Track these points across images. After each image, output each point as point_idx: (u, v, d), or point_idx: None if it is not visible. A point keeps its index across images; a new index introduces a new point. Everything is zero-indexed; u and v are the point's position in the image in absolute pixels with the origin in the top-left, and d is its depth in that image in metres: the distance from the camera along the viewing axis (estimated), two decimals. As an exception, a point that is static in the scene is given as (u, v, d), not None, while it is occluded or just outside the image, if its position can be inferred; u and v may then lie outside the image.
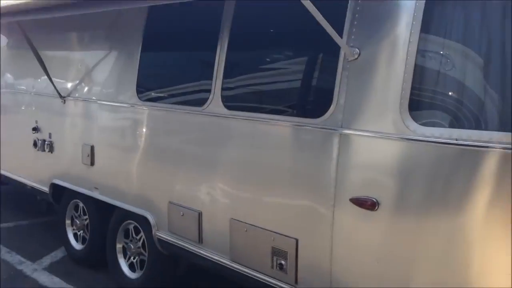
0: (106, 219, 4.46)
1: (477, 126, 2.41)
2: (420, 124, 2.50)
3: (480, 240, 2.44)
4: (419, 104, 2.59)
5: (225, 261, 3.42)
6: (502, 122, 2.38)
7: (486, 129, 2.38)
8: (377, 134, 2.62)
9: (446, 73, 2.56)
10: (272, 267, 3.13)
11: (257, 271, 3.23)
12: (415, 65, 2.55)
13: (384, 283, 2.70)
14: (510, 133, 2.30)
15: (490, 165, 2.36)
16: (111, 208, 4.36)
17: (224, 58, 3.43)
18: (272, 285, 3.15)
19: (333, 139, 2.78)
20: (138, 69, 4.12)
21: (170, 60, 4.20)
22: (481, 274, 2.47)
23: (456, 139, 2.38)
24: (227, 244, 3.38)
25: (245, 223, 3.26)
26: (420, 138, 2.48)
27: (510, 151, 2.30)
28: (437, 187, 2.50)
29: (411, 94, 2.55)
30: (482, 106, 2.49)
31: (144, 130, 4.04)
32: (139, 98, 4.08)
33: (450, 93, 2.56)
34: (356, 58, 2.73)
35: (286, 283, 3.07)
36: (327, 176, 2.80)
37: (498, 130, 2.34)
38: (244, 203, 3.31)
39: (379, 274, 2.70)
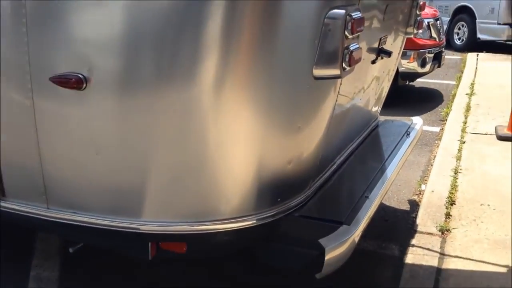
0: None
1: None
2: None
3: (215, 109, 2.12)
4: None
5: None
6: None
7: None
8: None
9: None
10: (-31, 181, 2.42)
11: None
12: None
13: (113, 176, 2.26)
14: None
15: (215, 19, 1.98)
16: None
17: None
18: (-25, 204, 2.47)
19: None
20: None
21: None
22: (219, 144, 2.19)
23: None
24: None
25: None
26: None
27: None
28: (163, 53, 2.07)
29: None
30: None
31: None
32: None
33: None
34: None
35: (-8, 198, 2.42)
36: (15, 53, 2.12)
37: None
38: None
39: (103, 167, 2.23)
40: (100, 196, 2.31)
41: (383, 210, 4.04)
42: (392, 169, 3.19)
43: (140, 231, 2.31)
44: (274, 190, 2.38)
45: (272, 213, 2.41)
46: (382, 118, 4.10)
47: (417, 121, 4.02)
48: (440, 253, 3.35)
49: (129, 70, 2.11)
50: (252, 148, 2.26)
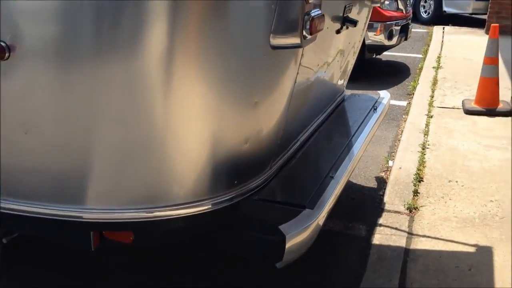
0: None
1: None
2: None
3: (162, 82, 1.89)
4: None
5: None
6: None
7: None
8: None
9: None
10: None
11: None
12: None
13: (46, 158, 2.01)
14: None
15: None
16: None
17: None
18: None
19: None
20: None
21: None
22: (169, 122, 1.96)
23: None
24: None
25: None
26: None
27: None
28: (103, 19, 1.82)
29: None
30: None
31: None
32: None
33: None
34: None
35: None
36: None
37: None
38: None
39: (34, 148, 1.98)
40: (34, 181, 2.06)
41: (350, 188, 3.89)
42: (359, 146, 3.02)
43: (81, 220, 2.07)
44: (230, 171, 2.17)
45: (229, 197, 2.20)
46: (348, 92, 3.93)
47: (384, 95, 3.86)
48: (408, 233, 3.22)
49: (63, 38, 1.85)
50: (204, 126, 2.03)
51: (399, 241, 3.15)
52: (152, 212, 2.09)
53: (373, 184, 4.03)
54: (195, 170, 2.10)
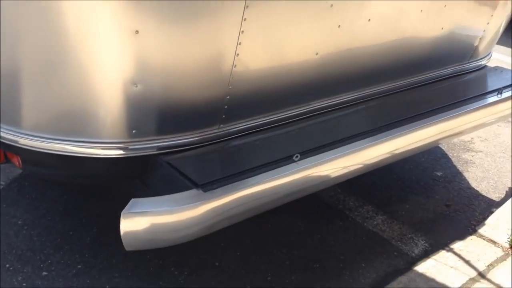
0: None
1: None
2: None
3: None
4: None
5: None
6: None
7: None
8: None
9: None
10: None
11: None
12: None
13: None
14: None
15: None
16: None
17: None
18: None
19: None
20: None
21: None
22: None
23: None
24: None
25: None
26: None
27: None
28: None
29: None
30: None
31: None
32: None
33: None
34: None
35: None
36: None
37: None
38: None
39: None
40: None
41: (459, 190, 2.87)
42: (413, 135, 2.11)
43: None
44: (122, 116, 1.69)
45: (123, 146, 1.74)
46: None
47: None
48: (480, 274, 2.20)
49: None
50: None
51: (456, 280, 2.17)
52: (38, 142, 1.79)
53: (498, 194, 2.88)
54: (84, 103, 1.68)
